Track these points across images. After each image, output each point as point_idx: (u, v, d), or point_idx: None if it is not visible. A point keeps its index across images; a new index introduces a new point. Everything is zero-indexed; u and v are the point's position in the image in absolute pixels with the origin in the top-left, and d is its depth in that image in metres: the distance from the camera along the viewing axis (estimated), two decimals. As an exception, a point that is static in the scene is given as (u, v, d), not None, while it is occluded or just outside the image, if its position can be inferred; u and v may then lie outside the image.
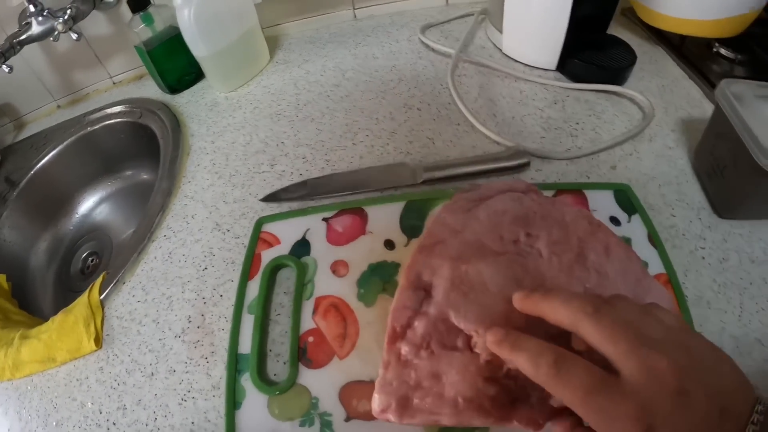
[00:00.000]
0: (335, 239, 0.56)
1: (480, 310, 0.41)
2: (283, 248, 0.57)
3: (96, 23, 0.87)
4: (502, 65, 0.73)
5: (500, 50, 0.77)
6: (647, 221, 0.53)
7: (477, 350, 0.40)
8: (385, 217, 0.56)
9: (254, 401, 0.47)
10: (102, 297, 0.62)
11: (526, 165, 0.60)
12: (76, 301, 0.62)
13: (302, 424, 0.45)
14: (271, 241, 0.58)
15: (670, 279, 0.49)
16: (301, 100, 0.76)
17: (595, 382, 0.30)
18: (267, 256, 0.56)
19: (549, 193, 0.56)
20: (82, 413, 0.53)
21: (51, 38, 0.80)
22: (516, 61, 0.76)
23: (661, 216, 0.54)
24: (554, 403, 0.39)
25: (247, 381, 0.48)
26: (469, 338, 0.40)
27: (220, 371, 0.51)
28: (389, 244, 0.54)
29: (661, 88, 0.67)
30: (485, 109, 0.68)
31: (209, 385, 0.51)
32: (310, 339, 0.49)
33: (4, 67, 0.82)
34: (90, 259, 0.90)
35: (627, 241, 0.52)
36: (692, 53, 0.73)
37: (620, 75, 0.69)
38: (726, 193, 0.54)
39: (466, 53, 0.76)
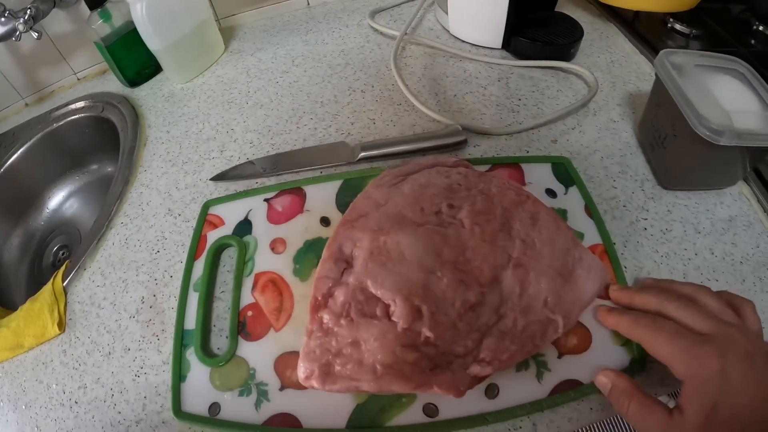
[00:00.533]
0: (275, 218, 0.58)
1: (397, 279, 0.43)
2: (227, 229, 0.59)
3: (57, 21, 0.89)
4: (447, 46, 0.74)
5: (447, 31, 0.78)
6: (584, 193, 0.53)
7: (394, 318, 0.41)
8: (322, 196, 0.58)
9: (198, 374, 0.50)
10: (65, 284, 0.64)
11: (463, 142, 0.61)
12: (41, 290, 0.65)
13: (241, 394, 0.47)
14: (216, 223, 0.60)
15: (607, 250, 0.50)
16: (251, 87, 0.78)
17: (681, 330, 0.37)
18: (212, 236, 0.59)
19: (484, 168, 0.58)
20: (47, 394, 0.56)
21: (13, 38, 0.82)
22: (462, 41, 0.77)
23: (602, 188, 0.54)
24: (474, 371, 0.40)
25: (191, 355, 0.51)
26: (387, 307, 0.42)
27: (169, 347, 0.54)
28: (325, 221, 0.57)
29: (610, 63, 0.67)
30: (427, 89, 0.70)
31: (160, 360, 0.54)
32: (249, 313, 0.52)
33: None
34: (61, 252, 0.92)
35: (562, 212, 0.53)
36: (646, 29, 0.73)
37: (566, 51, 0.70)
38: (668, 164, 0.54)
39: (413, 36, 0.77)
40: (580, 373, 0.43)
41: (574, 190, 0.54)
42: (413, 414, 0.44)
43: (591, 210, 0.52)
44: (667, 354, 0.36)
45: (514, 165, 0.57)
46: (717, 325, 0.36)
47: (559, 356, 0.44)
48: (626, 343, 0.44)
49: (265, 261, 0.55)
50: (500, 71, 0.71)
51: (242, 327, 0.51)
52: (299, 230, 0.56)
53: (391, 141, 0.62)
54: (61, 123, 0.91)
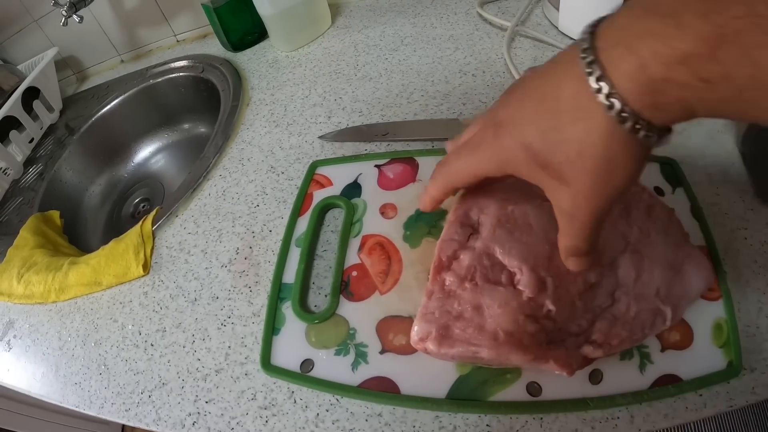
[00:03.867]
0: (386, 184, 0.57)
1: (524, 248, 0.41)
2: (335, 190, 0.58)
3: (165, -18, 0.90)
4: (557, 41, 0.73)
5: (556, 27, 0.77)
6: (691, 195, 0.51)
7: (520, 287, 0.40)
8: (432, 166, 0.56)
9: (293, 328, 0.49)
10: (154, 228, 0.64)
11: None
12: (128, 231, 0.65)
13: (337, 353, 0.46)
14: (324, 183, 0.59)
15: (710, 252, 0.47)
16: (359, 61, 0.77)
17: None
18: (318, 195, 0.58)
19: None
20: (121, 334, 0.56)
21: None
22: (571, 38, 0.75)
23: (705, 193, 0.52)
24: (586, 351, 0.39)
25: (288, 309, 0.50)
26: (512, 275, 0.40)
27: (261, 300, 0.53)
28: (434, 192, 0.55)
29: None
30: None
31: (250, 312, 0.53)
32: (354, 273, 0.51)
33: (75, 17, 0.86)
34: (142, 204, 0.94)
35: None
36: None
37: None
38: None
39: (522, 27, 0.76)
40: (680, 369, 0.41)
41: (680, 192, 0.52)
42: (516, 391, 0.42)
43: (696, 212, 0.50)
44: (469, 162, 0.37)
45: None
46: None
47: (662, 350, 0.42)
48: (725, 345, 0.42)
49: (373, 224, 0.54)
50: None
51: (345, 286, 0.50)
52: (411, 198, 0.55)
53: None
54: (158, 80, 0.93)
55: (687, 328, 0.43)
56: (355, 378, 0.44)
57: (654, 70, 0.23)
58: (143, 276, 0.60)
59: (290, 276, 0.52)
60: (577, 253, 0.34)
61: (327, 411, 0.44)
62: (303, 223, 0.56)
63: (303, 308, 0.50)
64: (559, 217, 0.33)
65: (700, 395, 0.40)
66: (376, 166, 0.59)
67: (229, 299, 0.54)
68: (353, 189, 0.58)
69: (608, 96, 0.25)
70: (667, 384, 0.41)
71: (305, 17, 0.82)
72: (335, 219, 0.57)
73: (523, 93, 0.32)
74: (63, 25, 0.85)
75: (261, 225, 0.59)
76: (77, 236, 0.84)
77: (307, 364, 0.46)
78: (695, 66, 0.22)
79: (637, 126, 0.25)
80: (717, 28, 0.21)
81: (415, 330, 0.40)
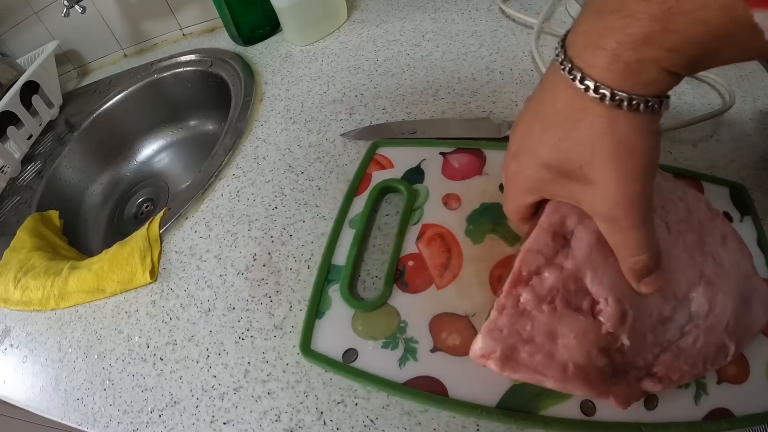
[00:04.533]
0: (451, 174, 0.55)
1: (615, 276, 0.37)
2: (396, 173, 0.56)
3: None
4: None
5: None
6: (758, 225, 0.50)
7: (601, 318, 0.36)
8: (500, 161, 0.54)
9: (338, 313, 0.46)
10: (161, 231, 0.61)
11: None
12: (133, 234, 0.62)
13: (385, 346, 0.44)
14: (384, 164, 0.58)
15: None
16: (380, 56, 0.74)
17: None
18: (378, 176, 0.56)
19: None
20: (127, 346, 0.53)
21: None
22: None
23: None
24: (646, 386, 0.37)
25: (335, 292, 0.48)
26: (594, 303, 0.37)
27: (283, 311, 0.49)
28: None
29: (739, 78, 0.63)
30: None
31: (271, 324, 0.49)
32: (410, 263, 0.48)
33: (77, 7, 0.84)
34: (145, 205, 0.91)
35: None
36: None
37: None
38: None
39: (548, 24, 0.74)
40: (733, 404, 0.40)
41: (748, 220, 0.50)
42: (570, 408, 0.40)
43: (762, 244, 0.49)
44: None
45: (693, 179, 0.52)
46: None
47: (719, 382, 0.41)
48: None
49: (435, 213, 0.52)
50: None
51: (400, 275, 0.48)
52: (476, 191, 0.52)
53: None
54: (163, 75, 0.90)
55: (744, 363, 0.42)
56: (402, 375, 0.42)
57: (625, 56, 0.27)
58: (150, 283, 0.57)
59: (341, 258, 0.50)
60: (642, 267, 0.34)
61: (360, 434, 0.40)
62: (359, 204, 0.54)
63: (352, 293, 0.47)
64: (604, 230, 0.34)
65: None
66: (441, 153, 0.57)
67: (247, 310, 0.51)
68: (416, 174, 0.55)
69: (596, 89, 0.28)
70: (720, 418, 0.40)
71: (320, 10, 0.79)
72: (391, 205, 0.55)
73: (527, 121, 0.35)
74: (65, 15, 0.83)
75: (280, 229, 0.56)
76: (77, 238, 0.81)
77: (351, 353, 0.44)
78: (657, 41, 0.25)
79: (634, 102, 0.27)
80: (660, 5, 0.24)
81: (479, 345, 0.37)
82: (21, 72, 0.90)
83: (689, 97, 0.61)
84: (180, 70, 0.89)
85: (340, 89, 0.71)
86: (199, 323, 0.52)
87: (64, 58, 1.04)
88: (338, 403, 0.43)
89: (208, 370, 0.48)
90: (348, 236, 0.51)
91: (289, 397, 0.44)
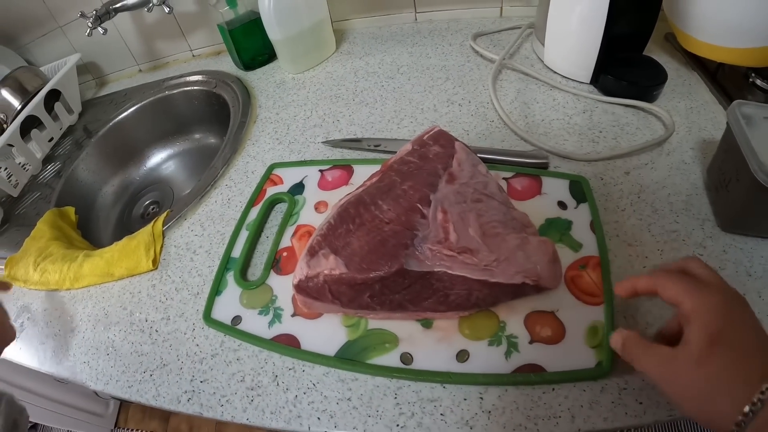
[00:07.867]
0: (324, 185, 0.68)
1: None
2: (284, 187, 0.70)
3: (184, 1, 0.98)
4: (540, 75, 0.78)
5: (542, 61, 0.82)
6: (593, 210, 0.57)
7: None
8: (366, 173, 0.62)
9: (231, 292, 0.60)
10: (164, 228, 0.71)
11: (545, 164, 0.65)
12: (140, 230, 0.71)
13: (260, 313, 0.57)
14: (277, 181, 0.71)
15: (601, 263, 0.52)
16: (358, 87, 0.84)
17: (687, 276, 0.40)
18: (270, 191, 0.70)
19: (509, 174, 0.64)
20: (129, 320, 0.62)
21: (146, 9, 0.91)
22: (554, 72, 0.80)
23: (665, 221, 0.56)
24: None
25: (230, 277, 0.61)
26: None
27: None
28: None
29: (689, 110, 0.69)
30: (518, 111, 0.74)
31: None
32: (285, 254, 0.62)
33: (99, 29, 0.92)
34: (151, 206, 1.00)
35: (568, 223, 0.57)
36: (728, 81, 0.74)
37: (649, 93, 0.72)
38: (729, 207, 0.55)
39: (510, 61, 0.81)
40: (546, 362, 0.47)
41: (584, 207, 0.58)
42: (391, 358, 0.50)
43: (595, 226, 0.56)
44: (680, 290, 0.39)
45: (534, 176, 0.63)
46: (711, 276, 0.40)
47: (531, 342, 0.48)
48: (598, 346, 0.46)
49: (307, 217, 0.65)
50: (586, 104, 0.74)
51: (276, 263, 0.61)
52: (340, 197, 0.61)
53: (480, 149, 0.67)
54: (173, 91, 1.00)
55: (560, 326, 0.49)
56: (270, 333, 0.55)
57: None
58: (152, 270, 0.67)
59: (237, 252, 0.64)
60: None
61: (305, 393, 0.50)
62: (254, 212, 0.68)
63: (242, 277, 0.61)
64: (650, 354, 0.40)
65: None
66: (319, 170, 0.71)
67: (227, 295, 0.61)
68: (298, 188, 0.69)
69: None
70: (530, 372, 0.46)
71: (311, 43, 0.90)
72: (281, 213, 0.67)
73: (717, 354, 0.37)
74: (88, 35, 0.92)
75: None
76: (90, 232, 0.90)
77: (237, 319, 0.57)
78: None
79: None
80: None
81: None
82: (46, 80, 0.98)
83: (632, 127, 0.67)
84: (188, 88, 0.99)
85: (321, 115, 0.81)
86: (189, 303, 0.62)
87: (84, 69, 1.14)
88: (289, 369, 0.52)
89: (192, 340, 0.58)
90: (244, 236, 0.65)
91: (252, 363, 0.54)
